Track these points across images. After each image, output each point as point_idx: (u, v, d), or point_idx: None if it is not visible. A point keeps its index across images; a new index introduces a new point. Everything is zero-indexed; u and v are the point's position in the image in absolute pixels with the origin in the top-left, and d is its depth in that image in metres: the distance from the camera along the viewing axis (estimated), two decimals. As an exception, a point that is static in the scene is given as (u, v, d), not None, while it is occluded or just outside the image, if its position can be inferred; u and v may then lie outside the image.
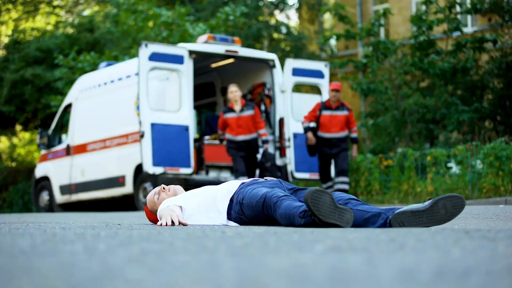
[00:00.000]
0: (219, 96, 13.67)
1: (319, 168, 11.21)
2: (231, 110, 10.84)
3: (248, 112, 10.80)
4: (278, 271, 1.52)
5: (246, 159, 10.91)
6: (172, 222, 3.74)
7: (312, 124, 11.04)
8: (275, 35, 22.38)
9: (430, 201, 3.58)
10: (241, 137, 10.80)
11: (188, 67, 11.22)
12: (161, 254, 1.90)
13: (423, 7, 15.99)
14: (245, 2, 20.71)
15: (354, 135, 11.20)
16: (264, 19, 21.86)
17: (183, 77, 11.19)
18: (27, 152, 25.30)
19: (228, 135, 10.93)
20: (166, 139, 10.89)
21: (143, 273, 1.49)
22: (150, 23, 17.77)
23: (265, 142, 10.89)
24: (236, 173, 10.77)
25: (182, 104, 11.19)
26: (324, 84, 12.21)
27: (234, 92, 10.82)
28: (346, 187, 10.90)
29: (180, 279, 1.41)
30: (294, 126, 11.80)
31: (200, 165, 11.68)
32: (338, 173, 10.99)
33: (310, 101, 12.00)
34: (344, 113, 11.05)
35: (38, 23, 25.04)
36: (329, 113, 11.01)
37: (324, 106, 11.04)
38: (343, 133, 11.05)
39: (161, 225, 3.75)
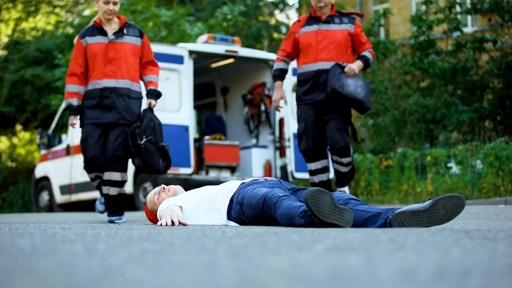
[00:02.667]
0: (219, 96, 13.67)
1: (297, 135, 6.45)
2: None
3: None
4: (278, 271, 1.52)
5: None
6: (172, 222, 3.74)
7: (284, 65, 6.53)
8: (275, 35, 22.38)
9: (430, 201, 3.58)
10: None
11: (188, 67, 11.22)
12: (161, 254, 1.90)
13: (423, 7, 15.99)
14: (245, 2, 20.70)
15: (363, 52, 6.32)
16: (264, 19, 21.85)
17: (183, 77, 11.20)
18: (27, 152, 25.30)
19: None
20: (166, 139, 10.87)
21: (143, 273, 1.49)
22: (150, 23, 17.76)
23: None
24: None
25: (182, 104, 11.20)
26: (324, 84, 12.16)
27: None
28: (344, 169, 6.41)
29: (180, 279, 1.41)
30: (294, 126, 11.80)
31: (200, 165, 11.68)
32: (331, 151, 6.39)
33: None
34: (343, 27, 6.30)
35: (38, 22, 25.04)
36: (315, 28, 6.31)
37: (307, 20, 6.39)
38: (343, 65, 6.24)
39: (161, 225, 3.75)
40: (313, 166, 6.43)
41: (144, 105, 6.09)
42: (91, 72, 5.92)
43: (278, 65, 6.58)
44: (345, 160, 6.40)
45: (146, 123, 5.84)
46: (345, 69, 6.12)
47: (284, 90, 6.60)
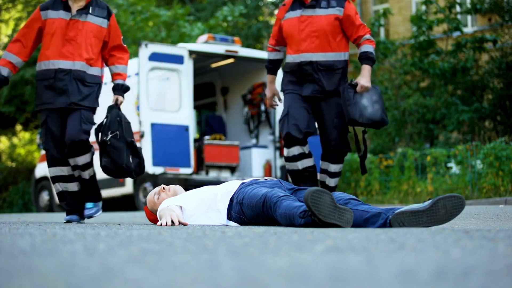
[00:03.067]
0: (219, 96, 13.67)
1: (279, 121, 5.72)
2: None
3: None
4: (278, 271, 1.52)
5: None
6: (172, 222, 3.74)
7: (276, 55, 5.92)
8: (275, 35, 22.36)
9: (430, 201, 3.58)
10: None
11: (188, 67, 11.22)
12: (161, 254, 1.90)
13: (423, 7, 15.99)
14: (245, 2, 20.70)
15: (363, 48, 5.56)
16: (264, 19, 21.85)
17: (183, 77, 11.20)
18: (27, 152, 25.29)
19: None
20: (166, 139, 10.89)
21: (143, 273, 1.49)
22: (150, 23, 17.77)
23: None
24: None
25: (182, 104, 11.20)
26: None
27: None
28: (332, 183, 5.73)
29: (180, 279, 1.41)
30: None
31: (200, 165, 11.68)
32: (324, 155, 5.74)
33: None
34: (330, 12, 5.55)
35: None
36: (298, 13, 5.62)
37: (292, 3, 5.67)
38: (330, 55, 5.57)
39: (161, 225, 3.75)
40: (296, 150, 5.57)
41: (110, 101, 5.46)
42: (45, 50, 5.28)
43: (269, 56, 5.96)
44: (334, 167, 5.70)
45: (112, 119, 5.28)
46: (357, 89, 5.47)
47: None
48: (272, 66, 5.94)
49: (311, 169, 5.59)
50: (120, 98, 5.39)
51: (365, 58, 5.54)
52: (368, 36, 5.56)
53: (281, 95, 5.89)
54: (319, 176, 5.74)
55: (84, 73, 5.27)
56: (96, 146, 5.33)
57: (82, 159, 5.27)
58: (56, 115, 5.29)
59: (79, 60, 5.25)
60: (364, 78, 5.48)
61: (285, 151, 5.63)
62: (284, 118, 5.59)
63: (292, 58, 5.63)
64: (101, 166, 5.26)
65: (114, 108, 5.34)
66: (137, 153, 5.31)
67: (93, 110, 5.36)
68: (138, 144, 5.48)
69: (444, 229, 3.05)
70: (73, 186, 5.38)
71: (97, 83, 5.38)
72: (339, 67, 5.58)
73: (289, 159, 5.60)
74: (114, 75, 5.44)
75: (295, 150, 5.56)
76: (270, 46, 5.90)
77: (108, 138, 5.23)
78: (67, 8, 5.29)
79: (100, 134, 5.28)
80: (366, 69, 5.53)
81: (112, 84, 5.45)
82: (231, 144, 11.99)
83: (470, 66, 14.78)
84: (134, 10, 17.53)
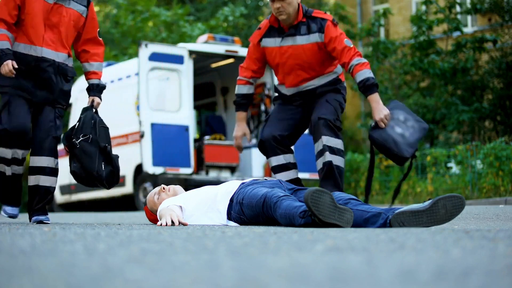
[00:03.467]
0: (219, 96, 13.67)
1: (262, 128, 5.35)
2: None
3: None
4: (278, 271, 1.52)
5: None
6: (172, 222, 3.74)
7: (249, 89, 5.37)
8: (275, 35, 22.37)
9: (430, 201, 3.58)
10: None
11: (188, 67, 11.22)
12: (161, 254, 1.90)
13: (423, 7, 15.99)
14: (245, 2, 20.71)
15: (357, 77, 4.97)
16: (264, 19, 21.88)
17: (183, 77, 11.20)
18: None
19: None
20: (166, 139, 10.89)
21: (143, 273, 1.49)
22: (150, 23, 17.78)
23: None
24: None
25: (182, 104, 11.20)
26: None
27: None
28: (337, 161, 5.05)
29: (180, 279, 1.41)
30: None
31: (200, 165, 11.68)
32: (315, 133, 5.11)
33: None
34: (311, 39, 5.08)
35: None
36: (277, 43, 5.15)
37: (268, 29, 5.21)
38: (318, 80, 5.19)
39: (161, 225, 3.75)
40: (275, 161, 5.14)
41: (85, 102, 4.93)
42: (26, 31, 4.58)
43: (240, 89, 5.33)
44: (332, 141, 5.02)
45: (85, 120, 4.70)
46: (380, 126, 4.92)
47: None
48: (245, 102, 5.34)
49: (295, 181, 5.11)
50: (96, 99, 4.84)
51: (364, 88, 4.96)
52: (356, 60, 4.95)
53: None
54: (327, 157, 4.99)
55: (66, 66, 4.72)
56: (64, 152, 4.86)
57: (48, 161, 4.67)
58: (22, 103, 4.60)
59: (62, 51, 4.67)
60: (375, 112, 4.95)
61: (268, 159, 5.24)
62: (266, 122, 5.29)
63: (280, 87, 5.29)
64: (70, 171, 4.74)
65: (89, 110, 4.81)
66: (111, 161, 4.73)
67: (66, 107, 4.86)
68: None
69: (444, 229, 3.05)
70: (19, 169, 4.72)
71: (73, 77, 4.86)
72: (331, 88, 5.15)
73: (271, 168, 5.23)
74: (88, 74, 4.84)
75: (273, 160, 5.17)
76: (244, 79, 5.32)
77: (79, 141, 4.69)
78: None
79: (70, 137, 4.74)
80: (372, 100, 4.96)
81: (87, 84, 4.91)
82: (231, 144, 11.98)
83: (470, 66, 14.79)
84: (134, 10, 17.53)
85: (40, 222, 4.58)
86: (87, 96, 4.89)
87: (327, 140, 5.00)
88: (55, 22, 4.62)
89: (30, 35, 4.59)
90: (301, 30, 5.05)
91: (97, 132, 4.72)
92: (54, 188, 4.74)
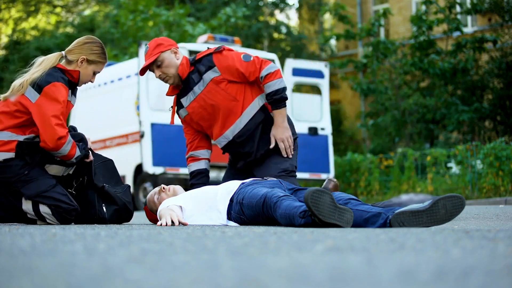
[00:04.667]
0: (219, 96, 13.66)
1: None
2: None
3: None
4: (278, 271, 1.52)
5: None
6: (172, 222, 3.74)
7: (200, 165, 4.72)
8: (275, 35, 22.39)
9: (430, 201, 3.58)
10: None
11: (188, 67, 11.22)
12: (161, 254, 1.90)
13: (423, 7, 15.99)
14: (245, 2, 20.72)
15: (265, 89, 4.51)
16: (264, 19, 21.86)
17: (183, 77, 11.20)
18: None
19: None
20: (166, 139, 10.89)
21: (143, 273, 1.49)
22: (150, 23, 17.77)
23: None
24: None
25: (182, 104, 11.21)
26: (324, 84, 12.21)
27: None
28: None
29: (180, 279, 1.41)
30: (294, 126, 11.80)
31: (200, 165, 11.67)
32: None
33: (310, 101, 12.00)
34: (206, 80, 4.55)
35: (39, 22, 25.03)
36: (187, 102, 4.73)
37: (177, 101, 4.84)
38: (242, 120, 4.57)
39: (161, 225, 3.75)
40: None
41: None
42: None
43: (190, 167, 4.70)
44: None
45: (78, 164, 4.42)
46: (279, 145, 4.64)
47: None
48: (196, 182, 4.64)
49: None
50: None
51: (271, 102, 4.50)
52: (264, 73, 4.46)
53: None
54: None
55: None
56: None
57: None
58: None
59: None
60: (276, 129, 4.56)
61: None
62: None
63: (217, 143, 4.67)
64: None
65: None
66: (112, 200, 4.45)
67: None
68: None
69: (444, 229, 3.05)
70: None
71: None
72: (259, 120, 4.57)
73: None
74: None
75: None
76: (194, 156, 4.70)
77: (72, 189, 4.41)
78: None
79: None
80: (276, 115, 4.54)
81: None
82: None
83: (470, 66, 14.79)
84: (135, 10, 17.54)
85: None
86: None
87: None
88: None
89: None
90: (195, 81, 4.58)
91: (94, 171, 4.42)
92: None
